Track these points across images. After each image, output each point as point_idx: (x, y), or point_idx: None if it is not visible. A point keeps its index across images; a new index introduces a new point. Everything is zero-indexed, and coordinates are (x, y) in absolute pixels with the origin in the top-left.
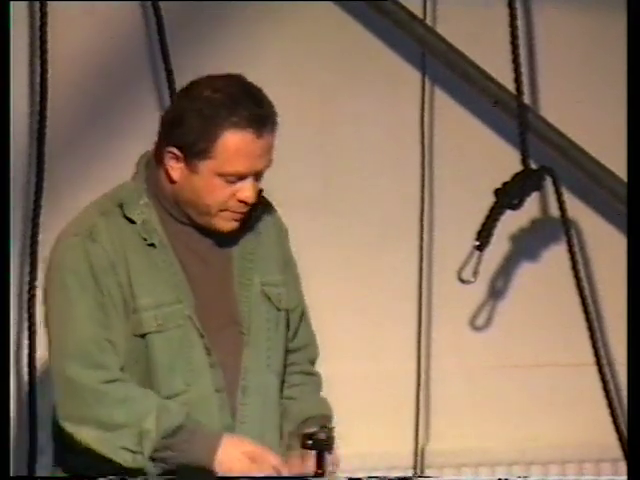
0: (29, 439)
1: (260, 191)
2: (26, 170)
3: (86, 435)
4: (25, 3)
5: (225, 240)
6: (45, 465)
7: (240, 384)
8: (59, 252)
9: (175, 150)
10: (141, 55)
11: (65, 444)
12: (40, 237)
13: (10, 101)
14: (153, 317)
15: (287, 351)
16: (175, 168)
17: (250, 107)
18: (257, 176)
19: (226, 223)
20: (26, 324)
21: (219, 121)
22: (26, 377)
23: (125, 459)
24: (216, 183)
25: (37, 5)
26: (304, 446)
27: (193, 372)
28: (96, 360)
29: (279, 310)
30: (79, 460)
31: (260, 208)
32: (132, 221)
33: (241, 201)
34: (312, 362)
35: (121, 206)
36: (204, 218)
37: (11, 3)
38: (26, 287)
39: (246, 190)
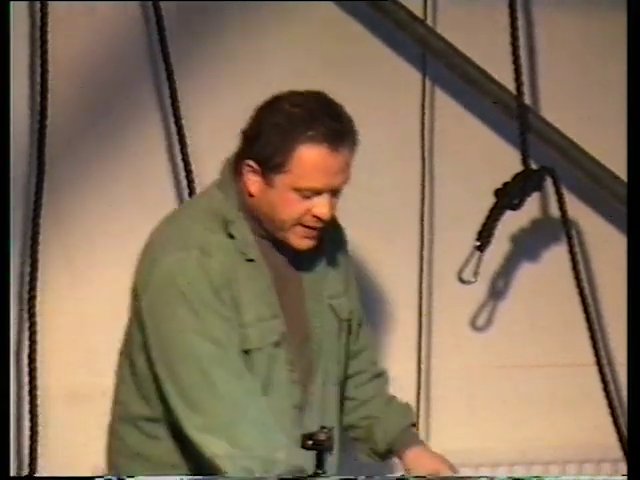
0: (29, 439)
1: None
2: (26, 170)
3: (215, 447)
4: (25, 3)
5: (297, 254)
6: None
7: (308, 400)
8: (167, 267)
9: (253, 163)
10: (141, 55)
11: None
12: (40, 237)
13: (10, 101)
14: (258, 333)
15: (350, 357)
16: (253, 181)
17: (327, 122)
18: (333, 192)
19: (301, 240)
20: (26, 324)
21: (295, 135)
22: (26, 377)
23: None
24: (291, 198)
25: (37, 5)
26: (304, 446)
27: (274, 387)
28: (239, 368)
29: (342, 321)
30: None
31: (335, 225)
32: (232, 236)
33: (316, 217)
34: (375, 363)
35: (225, 222)
36: (280, 233)
37: (11, 3)
38: (26, 287)
39: (321, 206)
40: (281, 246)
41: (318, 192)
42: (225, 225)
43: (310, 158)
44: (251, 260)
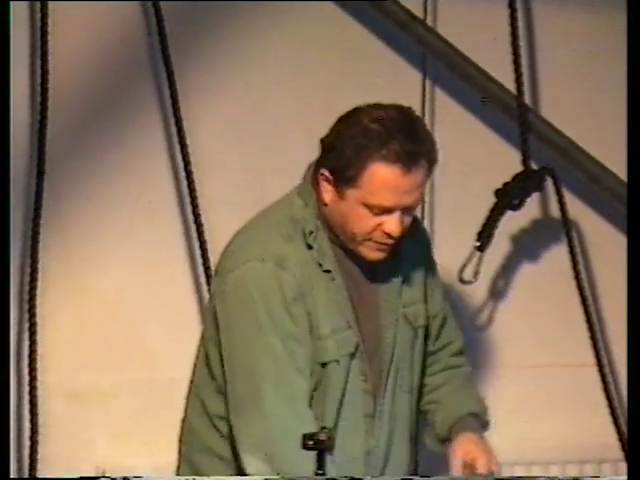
0: (29, 439)
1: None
2: (26, 170)
3: (254, 469)
4: (25, 3)
5: (373, 266)
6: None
7: (378, 409)
8: (242, 274)
9: (327, 173)
10: (142, 55)
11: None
12: (40, 237)
13: (10, 101)
14: (335, 345)
15: (427, 354)
16: (327, 190)
17: (403, 142)
18: (405, 210)
19: (372, 252)
20: (27, 324)
21: (370, 152)
22: (27, 377)
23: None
24: (361, 212)
25: (37, 5)
26: (305, 446)
27: (347, 397)
28: (294, 391)
29: (416, 329)
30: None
31: (413, 231)
32: (310, 247)
33: (386, 233)
34: (456, 354)
35: (304, 232)
36: (351, 244)
37: (11, 3)
38: (26, 287)
39: (392, 223)
40: (355, 255)
41: (388, 210)
42: (304, 235)
43: (382, 177)
44: (328, 271)
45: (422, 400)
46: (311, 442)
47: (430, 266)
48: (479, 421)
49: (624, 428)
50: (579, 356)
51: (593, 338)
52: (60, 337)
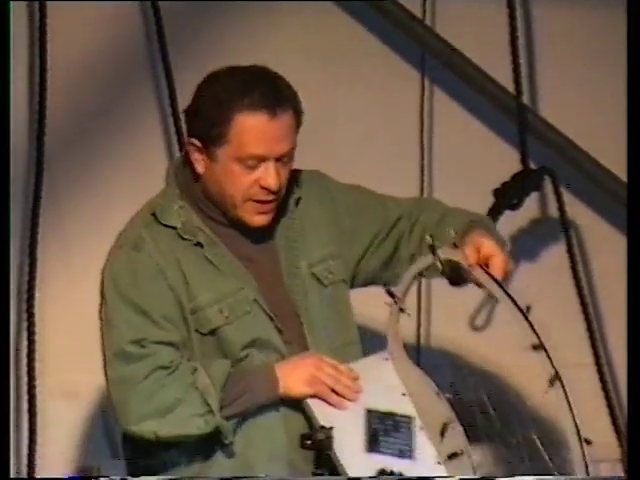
0: (28, 439)
1: (295, 174)
2: (25, 170)
3: (150, 428)
4: (24, 3)
5: (269, 234)
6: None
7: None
8: (106, 265)
9: (196, 141)
10: (140, 55)
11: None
12: (39, 236)
13: (10, 101)
14: (218, 310)
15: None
16: (198, 160)
17: (264, 89)
18: (280, 161)
19: (254, 217)
20: (25, 323)
21: (232, 104)
22: (25, 377)
23: (198, 425)
24: (235, 170)
25: (36, 5)
26: (303, 446)
27: (271, 349)
28: (136, 355)
29: (326, 286)
30: (157, 459)
31: (301, 186)
32: (173, 227)
33: (264, 188)
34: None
35: (160, 216)
36: (233, 212)
37: (11, 3)
38: (25, 286)
39: (267, 176)
40: (250, 231)
41: (261, 160)
42: (160, 216)
43: (248, 126)
44: (199, 244)
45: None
46: (309, 442)
47: (338, 208)
48: (490, 227)
49: (623, 427)
50: (578, 356)
51: (592, 337)
52: (58, 337)
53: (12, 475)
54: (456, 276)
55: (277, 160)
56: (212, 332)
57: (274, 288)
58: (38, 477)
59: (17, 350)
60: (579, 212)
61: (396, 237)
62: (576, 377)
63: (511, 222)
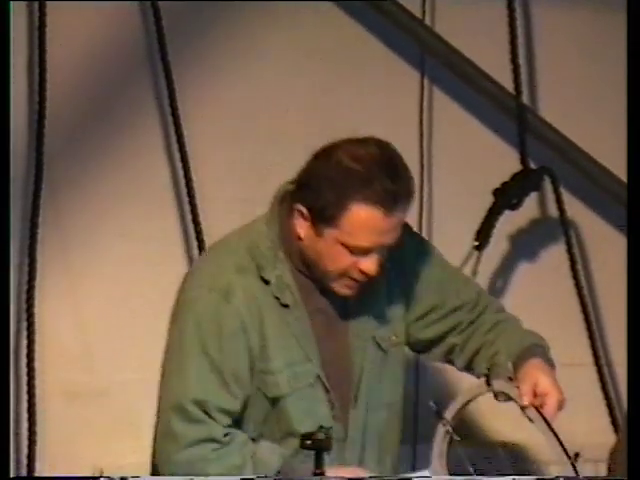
0: (27, 439)
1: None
2: (25, 170)
3: None
4: (24, 3)
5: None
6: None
7: (349, 435)
8: (189, 300)
9: (304, 210)
10: (140, 55)
11: None
12: (38, 237)
13: (10, 102)
14: (287, 379)
15: (470, 322)
16: (302, 226)
17: (385, 183)
18: (382, 250)
19: (344, 289)
20: (24, 324)
21: (351, 193)
22: (24, 377)
23: None
24: (339, 251)
25: (36, 5)
26: (303, 446)
27: (314, 425)
28: (195, 417)
29: (386, 351)
30: None
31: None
32: (266, 281)
33: (362, 272)
34: (499, 310)
35: (258, 266)
36: (323, 279)
37: (11, 3)
38: (24, 287)
39: (369, 263)
40: (325, 287)
41: (367, 250)
42: (259, 269)
43: (363, 219)
44: (286, 305)
45: (476, 361)
46: (309, 442)
47: (417, 269)
48: (544, 353)
49: (622, 427)
50: (577, 355)
51: (591, 337)
52: (58, 337)
53: (12, 475)
54: (505, 400)
55: (381, 250)
56: (275, 397)
57: (336, 343)
58: (38, 477)
59: (16, 349)
60: (579, 212)
61: (450, 325)
62: (575, 377)
63: (511, 222)
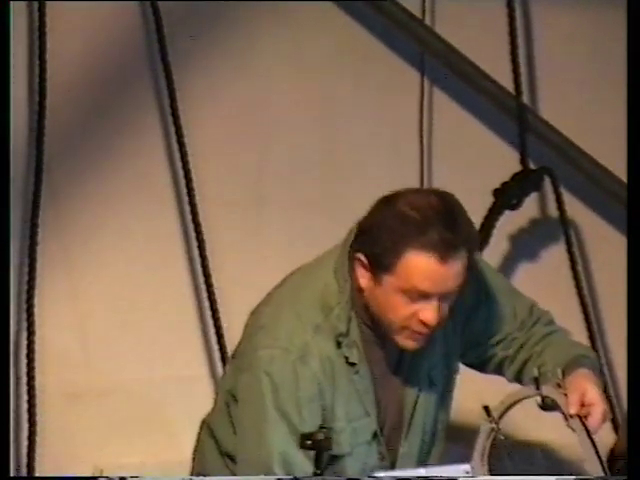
0: (27, 439)
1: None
2: (25, 170)
3: None
4: (23, 3)
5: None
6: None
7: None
8: (265, 359)
9: (363, 258)
10: (140, 55)
11: None
12: (39, 237)
13: (10, 102)
14: (348, 439)
15: (521, 335)
16: (363, 275)
17: (441, 231)
18: (443, 299)
19: (407, 341)
20: (24, 324)
21: (406, 240)
22: (24, 377)
23: None
24: (398, 300)
25: (35, 5)
26: (303, 446)
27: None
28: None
29: (437, 385)
30: None
31: None
32: (339, 344)
33: (422, 322)
34: (549, 323)
35: (333, 327)
36: (387, 332)
37: (10, 3)
38: (24, 287)
39: (428, 312)
40: (387, 338)
41: (425, 296)
42: (334, 330)
43: (417, 265)
44: (353, 364)
45: (525, 371)
46: (309, 442)
47: (477, 309)
48: (592, 364)
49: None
50: None
51: (591, 338)
52: (58, 337)
53: (11, 474)
54: (550, 409)
55: (441, 298)
56: (335, 455)
57: (391, 391)
58: (38, 476)
59: (17, 349)
60: (578, 212)
61: (504, 344)
62: None
63: (511, 222)
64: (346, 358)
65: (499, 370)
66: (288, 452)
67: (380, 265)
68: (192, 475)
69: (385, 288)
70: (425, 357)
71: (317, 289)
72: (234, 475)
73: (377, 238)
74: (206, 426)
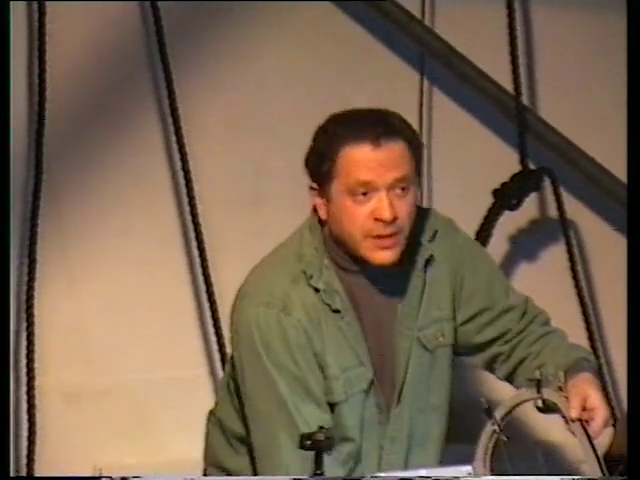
0: (27, 439)
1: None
2: (24, 170)
3: None
4: (23, 3)
5: (394, 288)
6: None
7: (388, 435)
8: (250, 319)
9: (313, 184)
10: (139, 55)
11: None
12: (38, 237)
13: (10, 102)
14: (342, 386)
15: (518, 332)
16: (319, 205)
17: (369, 121)
18: (393, 191)
19: (376, 254)
20: (24, 324)
21: (338, 137)
22: (24, 377)
23: None
24: (348, 204)
25: (35, 5)
26: (302, 446)
27: (365, 432)
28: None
29: (432, 351)
30: None
31: (433, 242)
32: (317, 289)
33: (378, 219)
34: (546, 323)
35: (306, 275)
36: (356, 252)
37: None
38: (24, 287)
39: (379, 208)
40: (376, 280)
41: (371, 189)
42: (309, 276)
43: (353, 156)
44: (337, 311)
45: (518, 371)
46: (309, 442)
47: (460, 268)
48: (592, 367)
49: (622, 427)
50: None
51: (591, 338)
52: (57, 337)
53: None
54: (551, 412)
55: (390, 191)
56: (334, 405)
57: (382, 343)
58: (37, 476)
59: (16, 350)
60: (578, 213)
61: (500, 331)
62: None
63: (510, 223)
64: (329, 305)
65: (491, 364)
66: (295, 402)
67: (324, 176)
68: (205, 468)
69: (335, 200)
70: (414, 315)
71: (294, 244)
72: (246, 459)
73: (315, 150)
74: (212, 417)
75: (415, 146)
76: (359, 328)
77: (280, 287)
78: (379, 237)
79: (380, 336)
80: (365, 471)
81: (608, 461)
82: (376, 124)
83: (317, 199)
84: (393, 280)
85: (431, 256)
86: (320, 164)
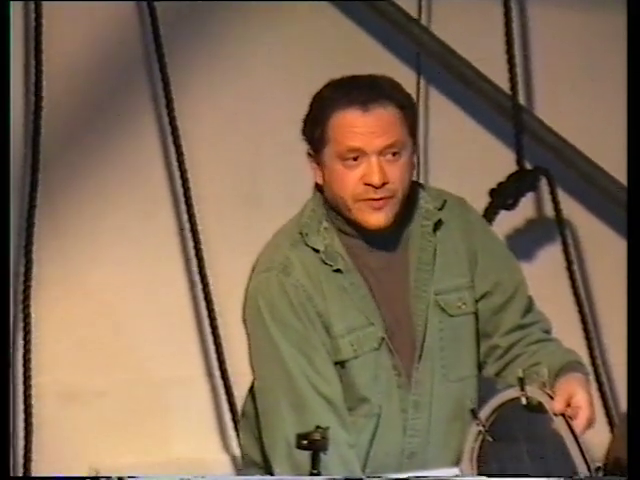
0: (24, 439)
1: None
2: (21, 169)
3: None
4: (20, 3)
5: (402, 251)
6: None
7: (411, 399)
8: (254, 287)
9: (310, 150)
10: (136, 55)
11: None
12: (35, 236)
13: (10, 102)
14: (349, 343)
15: (518, 327)
16: (315, 170)
17: (358, 87)
18: (383, 156)
19: (368, 216)
20: (21, 324)
21: (329, 103)
22: (21, 377)
23: None
24: (339, 169)
25: (32, 5)
26: (299, 446)
27: (383, 394)
28: (306, 403)
29: (453, 316)
30: None
31: (443, 210)
32: (317, 250)
33: (367, 184)
34: (547, 332)
35: (304, 236)
36: (349, 217)
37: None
38: (21, 286)
39: (369, 173)
40: (380, 243)
41: (361, 154)
42: (307, 237)
43: (343, 121)
44: (339, 270)
45: (510, 368)
46: (305, 442)
47: (479, 243)
48: (585, 372)
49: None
50: None
51: (587, 338)
52: (54, 337)
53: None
54: (536, 410)
55: (381, 156)
56: (339, 363)
57: (396, 305)
58: (34, 476)
59: (13, 350)
60: (574, 212)
61: (505, 318)
62: None
63: (507, 222)
64: (330, 266)
65: (484, 358)
66: (300, 365)
67: (318, 141)
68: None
69: (328, 165)
70: (429, 277)
71: (296, 216)
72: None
73: (309, 117)
74: (242, 413)
75: (408, 110)
76: (366, 289)
77: (280, 252)
78: (370, 200)
79: (392, 299)
80: (388, 434)
81: (607, 471)
82: (365, 89)
83: (313, 164)
84: (401, 244)
85: (439, 220)
86: (314, 129)
